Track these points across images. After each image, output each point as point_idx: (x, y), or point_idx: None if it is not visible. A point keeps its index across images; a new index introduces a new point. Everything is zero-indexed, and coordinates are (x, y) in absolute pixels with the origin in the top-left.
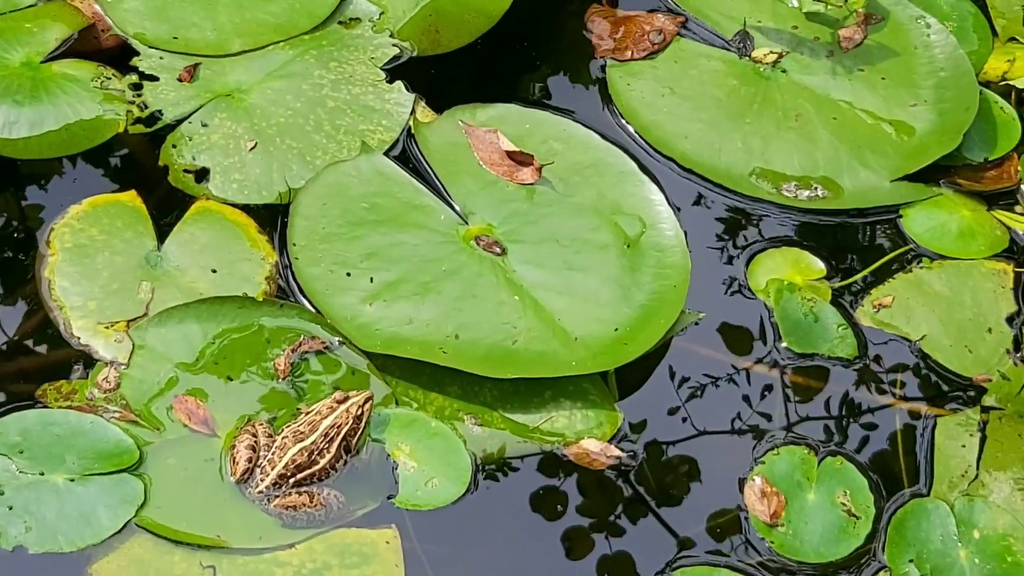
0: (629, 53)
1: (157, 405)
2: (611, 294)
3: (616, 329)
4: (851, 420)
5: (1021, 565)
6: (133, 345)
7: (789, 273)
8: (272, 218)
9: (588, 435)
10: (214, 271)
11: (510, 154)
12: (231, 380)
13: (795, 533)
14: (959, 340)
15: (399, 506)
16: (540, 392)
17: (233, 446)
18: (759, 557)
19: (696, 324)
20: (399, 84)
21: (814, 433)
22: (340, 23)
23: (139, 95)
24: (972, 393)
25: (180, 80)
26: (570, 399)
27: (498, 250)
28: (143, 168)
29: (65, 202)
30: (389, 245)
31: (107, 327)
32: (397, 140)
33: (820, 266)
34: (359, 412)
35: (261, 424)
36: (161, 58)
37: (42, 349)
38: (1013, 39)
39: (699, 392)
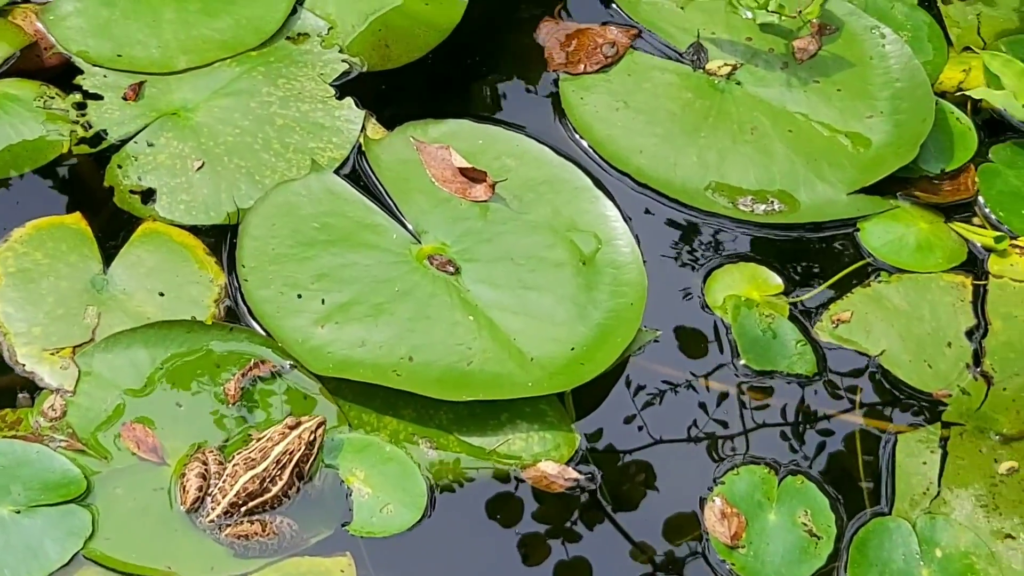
0: (582, 67)
1: (105, 433)
2: (567, 313)
3: (572, 349)
4: (811, 438)
5: None
6: (79, 372)
7: (746, 289)
8: (220, 239)
9: (546, 457)
10: (161, 294)
11: (463, 171)
12: (180, 406)
13: (756, 554)
14: (918, 355)
15: (354, 533)
16: (496, 414)
17: (183, 474)
18: None
19: (655, 342)
20: (349, 100)
21: (774, 452)
22: (288, 39)
23: (83, 114)
24: (932, 408)
25: (125, 99)
26: (527, 421)
27: (452, 269)
28: (88, 189)
29: (8, 225)
30: (341, 266)
31: (53, 353)
32: (348, 158)
33: (777, 281)
34: (311, 438)
35: (211, 451)
36: (105, 76)
37: None
38: (968, 49)
39: (657, 412)
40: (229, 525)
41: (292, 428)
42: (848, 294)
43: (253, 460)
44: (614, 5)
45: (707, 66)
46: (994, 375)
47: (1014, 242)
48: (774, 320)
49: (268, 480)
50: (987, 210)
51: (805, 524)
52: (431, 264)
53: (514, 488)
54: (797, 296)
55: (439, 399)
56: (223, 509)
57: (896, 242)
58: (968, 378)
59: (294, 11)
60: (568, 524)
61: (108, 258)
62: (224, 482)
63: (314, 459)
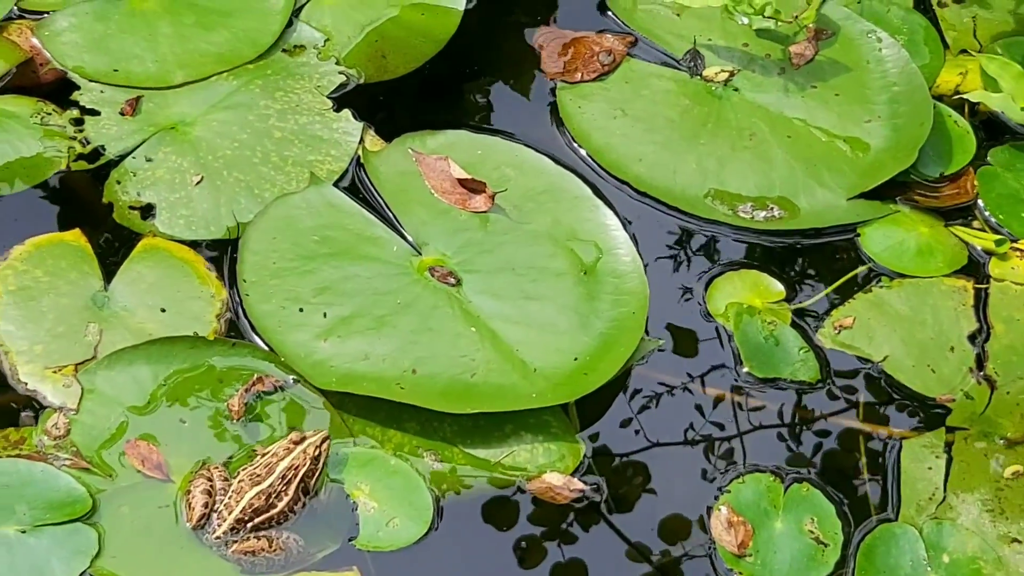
0: (579, 75)
1: (109, 451)
2: (569, 323)
3: (576, 359)
4: (816, 445)
5: None
6: (82, 389)
7: (748, 296)
8: (221, 254)
9: (551, 468)
10: (163, 310)
11: (462, 182)
12: (184, 423)
13: (764, 563)
14: (921, 360)
15: (360, 548)
16: (501, 426)
17: (188, 491)
18: None
19: (659, 350)
20: (347, 112)
21: (779, 459)
22: (284, 51)
23: (80, 130)
24: (937, 413)
25: (122, 114)
26: (531, 432)
27: (453, 281)
28: (87, 205)
29: (7, 243)
30: (342, 279)
31: (55, 371)
32: (346, 170)
33: (779, 288)
34: (316, 452)
35: (216, 467)
36: (102, 91)
37: None
38: (964, 51)
39: (661, 420)
40: (235, 541)
41: (297, 443)
42: (850, 300)
43: (258, 476)
44: (610, 13)
45: (704, 73)
46: (997, 379)
47: (1015, 245)
48: (776, 327)
49: (274, 496)
50: (987, 213)
51: (812, 531)
52: (432, 276)
53: (520, 500)
54: (799, 303)
55: (443, 412)
56: (229, 525)
57: (897, 247)
58: (971, 382)
59: (290, 23)
60: (574, 535)
61: (108, 275)
62: (230, 498)
63: (319, 474)
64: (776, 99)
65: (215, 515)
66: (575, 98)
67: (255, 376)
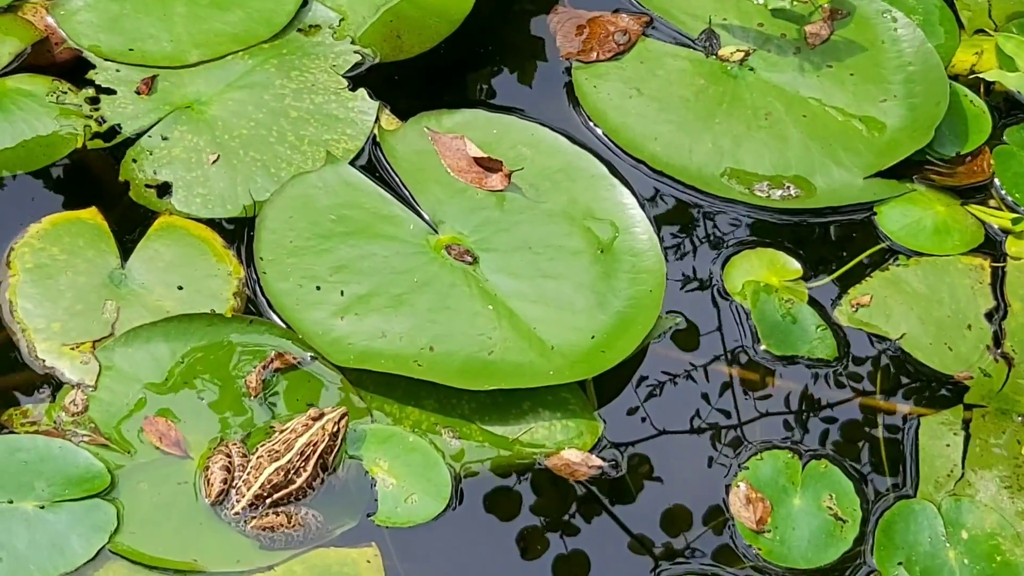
0: (594, 54)
1: (127, 427)
2: (586, 301)
3: (593, 337)
4: (834, 422)
5: (1010, 564)
6: (100, 366)
7: (765, 274)
8: (238, 232)
9: (569, 445)
10: (180, 288)
11: (478, 160)
12: (202, 399)
13: (782, 539)
14: (939, 338)
15: (379, 524)
16: (518, 403)
17: (207, 467)
18: (746, 564)
19: (676, 328)
20: (362, 91)
21: (797, 436)
22: (299, 31)
23: (96, 109)
24: (954, 391)
25: (138, 93)
26: (549, 409)
27: (470, 259)
28: (103, 184)
29: (24, 221)
30: (359, 257)
31: (72, 348)
32: (362, 149)
33: (796, 266)
34: (335, 429)
35: (235, 444)
36: (118, 71)
37: (5, 373)
38: (980, 31)
39: (679, 398)
40: (254, 517)
41: (315, 419)
42: (867, 278)
43: (277, 452)
44: None
45: (720, 52)
46: (1015, 356)
47: None
48: (793, 305)
49: (292, 472)
50: (1003, 192)
51: (830, 508)
52: (449, 254)
53: (539, 477)
54: (816, 281)
55: (461, 389)
56: (248, 501)
57: (913, 225)
58: (989, 360)
59: (305, 3)
60: (593, 511)
61: (125, 253)
62: (248, 474)
63: (338, 450)
64: (791, 79)
65: (234, 491)
66: (590, 77)
67: (273, 353)
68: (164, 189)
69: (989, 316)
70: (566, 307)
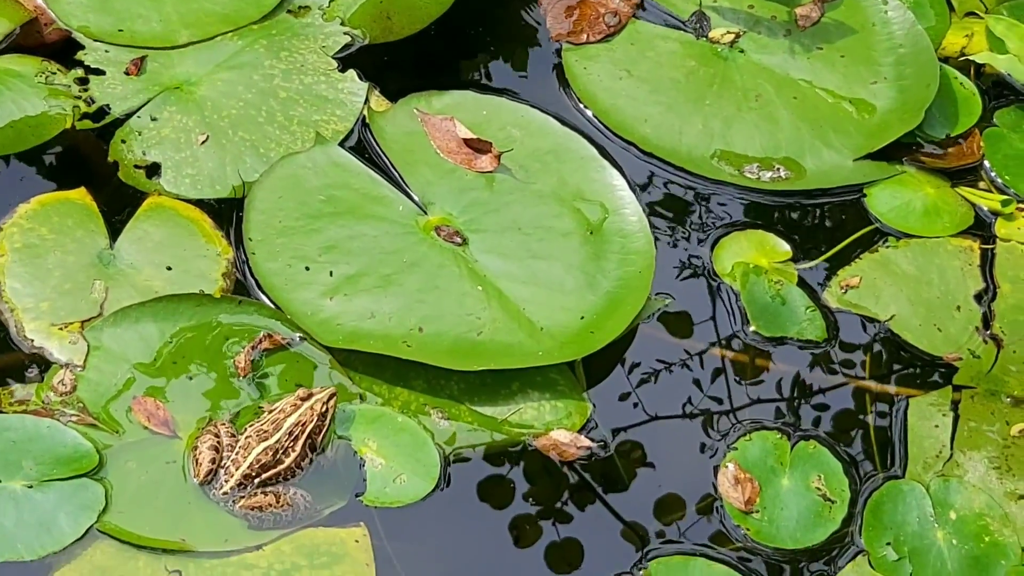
0: (584, 36)
1: (115, 407)
2: (576, 282)
3: (582, 317)
4: (823, 403)
5: (998, 544)
6: (88, 346)
7: (754, 256)
8: (227, 213)
9: (558, 426)
10: (169, 268)
11: (467, 142)
12: (190, 379)
13: (771, 519)
14: (928, 319)
15: (367, 504)
16: (507, 383)
17: (195, 447)
18: (735, 544)
19: (665, 310)
20: (352, 73)
21: (786, 417)
22: (289, 12)
23: (85, 90)
24: (943, 372)
25: (127, 73)
26: (538, 390)
27: (459, 240)
28: (92, 164)
29: (13, 201)
30: (348, 238)
31: (61, 328)
32: (352, 130)
33: (785, 248)
34: (323, 409)
35: (223, 424)
36: (107, 51)
37: None
38: (970, 13)
39: (668, 379)
40: (243, 497)
41: (304, 399)
42: (856, 260)
43: (265, 432)
44: None
45: (710, 34)
46: (1004, 338)
47: (1021, 205)
48: (783, 287)
49: (281, 451)
50: (993, 174)
51: (819, 488)
52: (438, 235)
53: (528, 457)
54: (805, 262)
55: (450, 369)
56: (236, 481)
57: (903, 207)
58: (978, 341)
59: None
60: (582, 492)
61: (114, 233)
62: (237, 454)
63: (326, 430)
64: (782, 61)
65: (222, 471)
66: (581, 59)
67: (262, 333)
68: (153, 169)
69: (978, 297)
70: (555, 288)
